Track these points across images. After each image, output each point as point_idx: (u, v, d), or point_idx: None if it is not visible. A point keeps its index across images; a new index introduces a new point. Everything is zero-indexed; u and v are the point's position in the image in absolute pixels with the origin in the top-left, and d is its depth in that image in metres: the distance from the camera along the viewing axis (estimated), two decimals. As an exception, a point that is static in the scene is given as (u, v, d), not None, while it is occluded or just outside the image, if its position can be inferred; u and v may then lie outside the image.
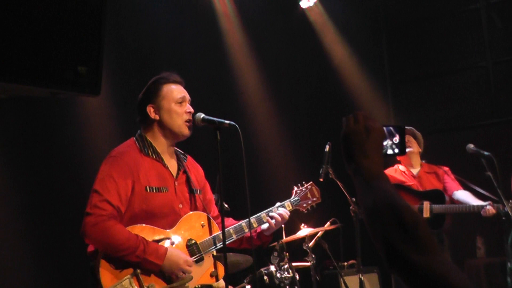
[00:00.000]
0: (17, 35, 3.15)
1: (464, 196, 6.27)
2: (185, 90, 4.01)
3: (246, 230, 4.11)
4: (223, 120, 4.00)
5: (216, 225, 4.12)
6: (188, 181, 4.07)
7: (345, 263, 6.91)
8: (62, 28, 3.32)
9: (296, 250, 6.22)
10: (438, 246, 1.61)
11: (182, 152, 4.12)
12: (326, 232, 6.04)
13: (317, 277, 5.97)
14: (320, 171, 5.58)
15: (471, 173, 6.09)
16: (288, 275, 5.67)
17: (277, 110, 8.52)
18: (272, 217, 4.16)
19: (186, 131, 3.95)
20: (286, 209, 4.27)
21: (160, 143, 3.96)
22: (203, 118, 3.98)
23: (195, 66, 7.16)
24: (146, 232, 3.79)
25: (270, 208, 4.24)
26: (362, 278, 5.91)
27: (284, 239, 5.98)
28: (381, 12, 9.11)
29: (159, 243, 3.79)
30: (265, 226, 4.20)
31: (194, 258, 3.90)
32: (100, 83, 3.61)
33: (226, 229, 3.91)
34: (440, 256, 1.58)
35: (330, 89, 9.05)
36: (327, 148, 5.66)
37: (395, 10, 9.04)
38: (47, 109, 5.88)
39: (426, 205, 6.34)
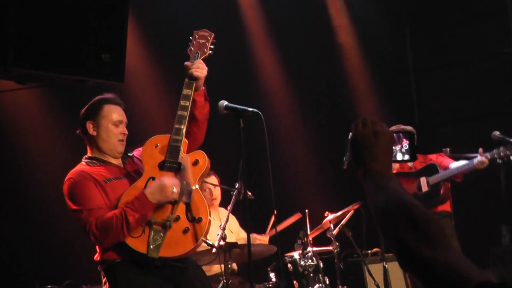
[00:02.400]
0: (43, 24, 3.23)
1: (458, 162, 6.40)
2: (123, 113, 4.18)
3: (187, 110, 4.15)
4: (246, 108, 4.12)
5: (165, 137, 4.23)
6: (136, 166, 4.24)
7: (369, 251, 6.90)
8: (87, 16, 3.39)
9: (320, 237, 6.24)
10: (449, 240, 1.60)
11: (124, 155, 4.28)
12: (350, 221, 6.07)
13: (341, 265, 6.00)
14: (344, 159, 5.49)
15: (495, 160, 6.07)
16: (312, 263, 5.73)
17: (299, 98, 8.60)
18: (192, 75, 4.14)
19: (119, 149, 4.14)
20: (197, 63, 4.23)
21: (103, 155, 4.15)
22: (226, 106, 4.09)
23: (216, 53, 7.20)
24: (126, 197, 3.98)
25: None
26: (386, 266, 5.94)
27: (310, 233, 6.04)
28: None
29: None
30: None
31: (171, 168, 4.06)
32: (123, 70, 3.68)
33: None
34: (452, 250, 1.58)
35: (352, 78, 9.05)
36: (350, 136, 5.61)
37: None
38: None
39: (423, 180, 6.46)
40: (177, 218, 3.96)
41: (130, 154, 4.27)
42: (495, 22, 8.41)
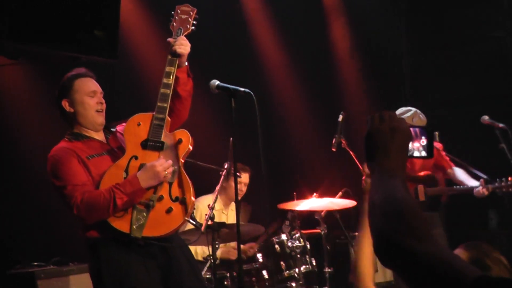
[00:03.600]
0: (37, 0, 3.21)
1: (458, 175, 6.27)
2: (96, 83, 4.16)
3: (170, 88, 4.14)
4: (238, 88, 4.08)
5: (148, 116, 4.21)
6: (119, 142, 4.23)
7: (357, 234, 6.92)
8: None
9: (308, 219, 6.29)
10: (434, 236, 1.57)
11: (107, 130, 4.28)
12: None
13: (328, 247, 6.01)
14: (333, 141, 5.63)
15: (485, 144, 6.15)
16: (299, 244, 5.78)
17: (294, 79, 8.52)
18: (175, 51, 4.15)
19: (99, 120, 4.11)
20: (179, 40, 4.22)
21: (85, 130, 4.13)
22: (217, 85, 4.07)
23: (212, 33, 7.16)
24: (113, 178, 3.98)
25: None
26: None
27: (298, 209, 6.03)
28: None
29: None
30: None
31: (154, 148, 4.06)
32: (117, 47, 3.65)
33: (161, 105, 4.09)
34: (443, 246, 1.55)
35: (346, 59, 9.05)
36: (340, 118, 5.70)
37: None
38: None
39: (421, 188, 6.31)
40: (160, 198, 3.98)
41: (113, 130, 4.27)
42: (489, 5, 8.47)
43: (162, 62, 4.59)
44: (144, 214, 3.95)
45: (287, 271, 5.71)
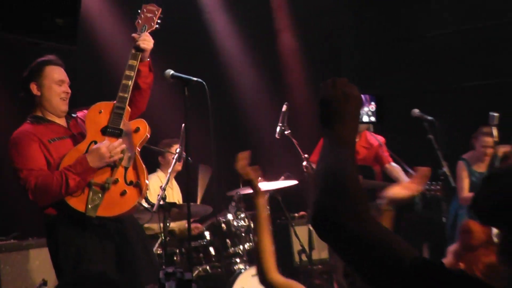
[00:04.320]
0: None
1: (395, 171, 6.33)
2: (65, 73, 4.24)
3: (132, 80, 4.21)
4: (191, 77, 4.22)
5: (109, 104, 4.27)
6: (80, 128, 4.31)
7: (296, 214, 7.04)
8: None
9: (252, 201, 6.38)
10: (373, 214, 1.54)
11: (69, 116, 4.33)
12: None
13: (270, 226, 6.06)
14: (277, 129, 5.71)
15: (415, 135, 6.26)
16: (244, 224, 5.93)
17: (246, 71, 8.65)
18: (139, 46, 4.22)
19: (62, 107, 4.21)
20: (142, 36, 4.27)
21: (47, 114, 4.21)
22: (172, 74, 4.23)
23: (169, 23, 7.10)
24: (68, 159, 4.06)
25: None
26: (311, 228, 5.97)
27: (241, 190, 6.09)
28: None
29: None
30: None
31: (113, 134, 4.15)
32: (76, 35, 3.74)
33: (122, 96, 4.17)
34: (378, 225, 1.53)
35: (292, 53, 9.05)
36: (284, 108, 5.77)
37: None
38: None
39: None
40: (116, 181, 4.04)
41: (74, 115, 4.31)
42: (421, 6, 8.56)
43: (124, 52, 4.67)
44: (100, 195, 4.00)
45: (232, 248, 5.79)
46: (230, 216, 5.94)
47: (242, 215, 5.97)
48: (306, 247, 6.09)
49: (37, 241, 5.27)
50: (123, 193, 4.08)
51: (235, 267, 5.73)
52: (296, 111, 7.15)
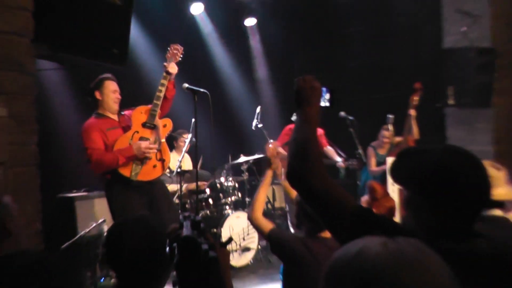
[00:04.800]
0: (83, 31, 3.16)
1: (330, 152, 6.08)
2: (116, 85, 4.18)
3: (162, 93, 4.13)
4: (199, 89, 4.21)
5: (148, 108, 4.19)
6: (126, 121, 4.22)
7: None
8: (106, 26, 3.34)
9: (238, 169, 6.33)
10: (325, 173, 1.49)
11: (119, 114, 4.25)
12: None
13: (248, 186, 6.14)
14: (253, 123, 5.75)
15: (342, 129, 5.97)
16: (231, 184, 5.90)
17: (233, 81, 8.04)
18: (168, 71, 4.13)
19: (115, 107, 4.15)
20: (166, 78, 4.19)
21: (106, 112, 4.15)
22: (187, 87, 4.20)
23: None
24: (122, 144, 4.01)
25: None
26: (274, 187, 6.18)
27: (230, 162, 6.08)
28: None
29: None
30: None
31: (149, 127, 4.07)
32: (126, 58, 3.59)
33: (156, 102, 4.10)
34: (335, 184, 1.47)
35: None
36: (258, 109, 5.79)
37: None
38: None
39: None
40: (150, 158, 4.06)
41: (122, 113, 4.28)
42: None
43: (156, 73, 4.54)
44: (140, 167, 4.03)
45: (223, 200, 5.79)
46: (222, 179, 5.92)
47: (230, 178, 5.95)
48: (271, 199, 6.26)
49: (99, 194, 5.16)
50: (154, 166, 4.11)
51: (225, 212, 5.68)
52: (267, 111, 7.08)
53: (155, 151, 4.07)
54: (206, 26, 7.33)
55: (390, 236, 0.86)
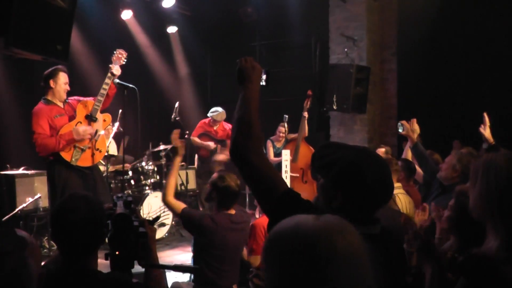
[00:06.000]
0: (32, 28, 3.33)
1: None
2: (67, 78, 4.26)
3: (106, 90, 4.22)
4: (128, 84, 4.37)
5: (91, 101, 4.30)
6: (70, 109, 4.29)
7: (183, 163, 6.58)
8: (51, 26, 3.52)
9: (157, 154, 6.45)
10: (264, 153, 1.48)
11: (65, 101, 4.31)
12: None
13: (165, 170, 6.20)
14: (172, 116, 5.94)
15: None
16: (151, 168, 6.13)
17: (163, 79, 8.30)
18: (113, 72, 4.24)
19: (63, 97, 4.24)
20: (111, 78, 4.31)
21: (54, 99, 4.23)
22: (117, 82, 4.34)
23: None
24: (66, 131, 4.11)
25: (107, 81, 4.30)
26: (188, 172, 6.44)
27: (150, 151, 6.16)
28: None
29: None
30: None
31: (91, 119, 4.19)
32: (68, 55, 3.87)
33: (99, 99, 4.23)
34: (268, 161, 1.46)
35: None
36: (177, 104, 6.03)
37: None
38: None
39: (219, 147, 6.40)
40: (89, 147, 4.21)
41: (67, 100, 4.34)
42: None
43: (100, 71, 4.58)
44: (80, 153, 4.16)
45: (144, 181, 5.96)
46: (143, 163, 6.11)
47: (150, 163, 6.15)
48: (184, 182, 6.35)
49: (37, 172, 5.26)
50: (92, 155, 4.26)
51: (144, 192, 5.86)
52: (185, 106, 7.24)
53: (90, 136, 4.15)
54: (135, 30, 7.53)
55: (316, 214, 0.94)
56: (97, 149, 4.30)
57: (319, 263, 0.85)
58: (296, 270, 0.86)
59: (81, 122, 4.22)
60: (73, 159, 4.13)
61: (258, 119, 1.49)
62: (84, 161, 4.21)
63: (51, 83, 4.22)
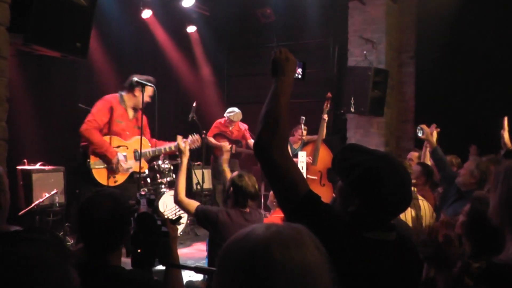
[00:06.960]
0: (52, 25, 3.34)
1: (252, 144, 6.02)
2: (154, 91, 4.33)
3: (162, 152, 4.48)
4: (147, 83, 4.30)
5: (149, 143, 4.47)
6: (137, 122, 4.41)
7: (195, 163, 6.64)
8: (71, 23, 3.52)
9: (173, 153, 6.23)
10: (288, 152, 1.44)
11: (139, 109, 4.42)
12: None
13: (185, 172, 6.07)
14: (189, 116, 5.84)
15: None
16: (167, 167, 6.05)
17: (180, 82, 8.19)
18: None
19: (139, 107, 4.31)
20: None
21: (128, 102, 4.32)
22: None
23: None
24: (113, 140, 4.24)
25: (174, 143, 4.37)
26: (204, 171, 6.33)
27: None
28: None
29: (118, 148, 4.30)
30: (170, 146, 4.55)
31: (134, 158, 4.29)
32: (87, 53, 3.85)
33: (155, 149, 4.41)
34: (292, 162, 1.42)
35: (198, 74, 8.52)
36: (194, 104, 5.89)
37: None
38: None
39: (234, 146, 6.32)
40: (110, 169, 4.16)
41: (138, 110, 4.34)
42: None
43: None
44: (101, 165, 4.13)
45: (160, 180, 5.91)
46: (160, 162, 6.07)
47: (167, 161, 6.10)
48: (200, 181, 6.25)
49: (54, 168, 5.22)
50: (108, 177, 4.21)
51: (161, 190, 5.83)
52: (203, 106, 7.15)
53: (119, 170, 4.14)
54: (155, 29, 7.43)
55: (324, 221, 0.97)
56: (115, 177, 4.28)
57: (257, 275, 0.81)
58: (235, 280, 0.83)
59: (127, 147, 4.26)
60: (93, 163, 4.14)
61: (287, 116, 1.45)
62: (98, 174, 4.21)
63: (137, 91, 4.25)
